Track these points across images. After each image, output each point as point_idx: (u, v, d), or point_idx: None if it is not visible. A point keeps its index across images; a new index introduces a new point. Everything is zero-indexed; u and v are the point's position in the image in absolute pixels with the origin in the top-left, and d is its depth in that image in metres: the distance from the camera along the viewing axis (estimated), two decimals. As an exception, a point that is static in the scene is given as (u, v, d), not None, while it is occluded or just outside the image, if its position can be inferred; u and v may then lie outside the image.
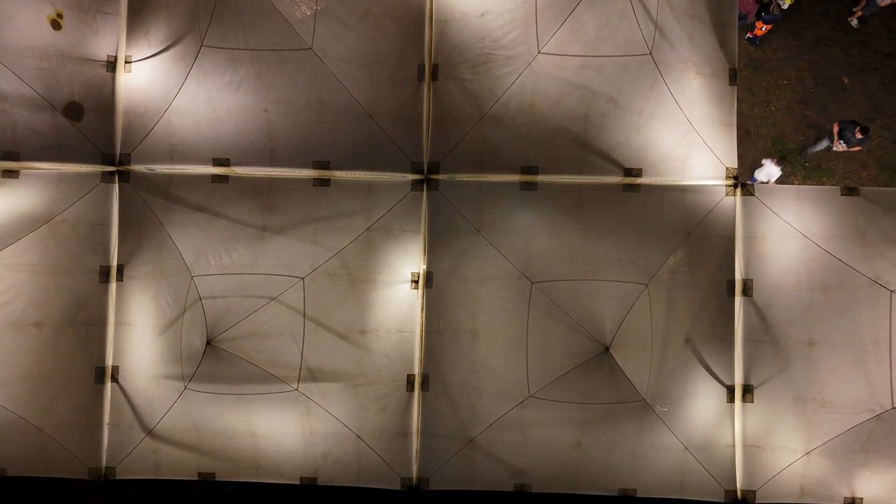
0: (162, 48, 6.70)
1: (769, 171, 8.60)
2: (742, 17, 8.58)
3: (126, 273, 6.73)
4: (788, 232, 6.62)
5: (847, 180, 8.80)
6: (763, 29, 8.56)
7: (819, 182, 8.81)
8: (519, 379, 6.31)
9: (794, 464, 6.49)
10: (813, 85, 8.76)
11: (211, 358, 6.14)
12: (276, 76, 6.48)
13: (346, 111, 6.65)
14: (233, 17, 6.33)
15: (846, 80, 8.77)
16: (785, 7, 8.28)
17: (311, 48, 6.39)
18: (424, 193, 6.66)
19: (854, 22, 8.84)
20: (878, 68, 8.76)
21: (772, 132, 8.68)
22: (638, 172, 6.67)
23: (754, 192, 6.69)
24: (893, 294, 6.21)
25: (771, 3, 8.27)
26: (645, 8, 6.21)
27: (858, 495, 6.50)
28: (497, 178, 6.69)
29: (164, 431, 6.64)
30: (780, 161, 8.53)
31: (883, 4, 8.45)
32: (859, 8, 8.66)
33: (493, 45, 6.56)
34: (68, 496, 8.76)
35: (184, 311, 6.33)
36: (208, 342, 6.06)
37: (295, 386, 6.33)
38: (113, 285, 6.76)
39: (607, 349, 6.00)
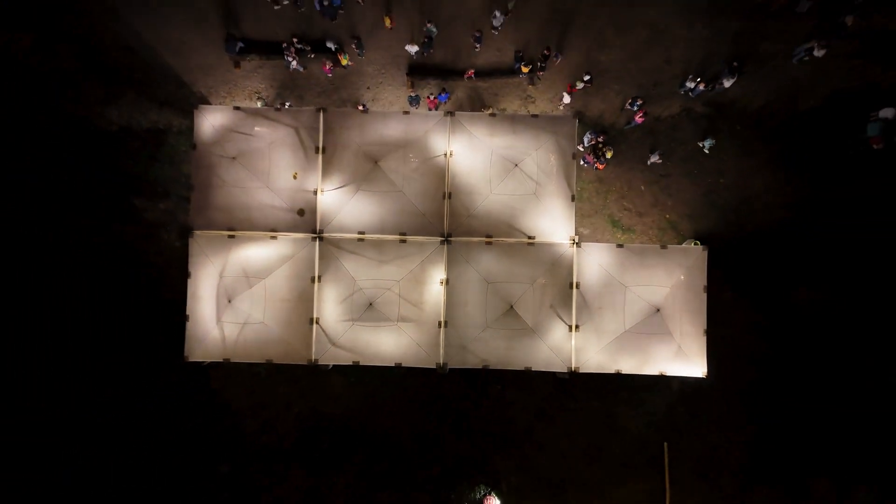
0: (338, 187, 16.34)
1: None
2: (589, 161, 18.18)
3: (323, 280, 16.34)
4: (594, 263, 16.30)
5: (644, 236, 18.39)
6: (602, 165, 18.07)
7: (630, 238, 18.40)
8: (483, 320, 16.00)
9: (592, 358, 16.16)
10: (627, 189, 18.36)
11: (367, 311, 15.82)
12: (387, 200, 16.12)
13: (413, 212, 16.28)
14: (374, 178, 16.00)
15: (643, 188, 18.39)
16: (609, 157, 17.81)
17: (401, 191, 16.08)
18: (446, 246, 16.28)
19: (649, 161, 18.39)
20: (657, 181, 18.38)
21: (606, 213, 18.28)
22: (533, 238, 16.33)
23: (580, 246, 16.36)
24: (627, 288, 15.93)
25: (603, 155, 17.81)
26: (530, 177, 15.91)
27: (619, 368, 16.17)
28: (476, 240, 16.32)
29: (339, 343, 16.28)
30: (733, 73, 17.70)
31: (652, 161, 18.03)
32: (651, 156, 18.20)
33: (474, 187, 16.24)
34: (278, 380, 18.33)
35: (352, 294, 15.99)
36: (370, 304, 15.76)
37: (396, 323, 16.01)
38: (316, 284, 16.37)
39: (512, 307, 15.72)
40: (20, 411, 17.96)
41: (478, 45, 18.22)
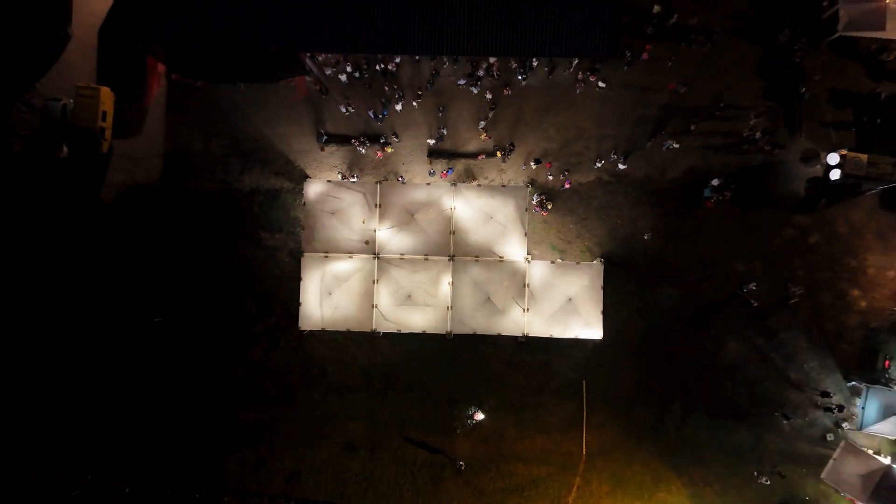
0: (388, 228, 28.11)
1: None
2: (538, 210, 29.78)
3: (379, 282, 28.07)
4: (538, 273, 28.09)
5: (571, 256, 29.95)
6: (546, 213, 29.62)
7: (563, 256, 29.93)
8: (473, 305, 27.74)
9: (536, 328, 27.91)
10: (561, 227, 29.90)
11: (404, 300, 27.52)
12: (417, 235, 27.87)
13: (432, 242, 28.05)
14: (410, 223, 27.75)
15: (571, 226, 30.03)
16: (550, 208, 29.34)
17: (426, 230, 27.82)
18: (451, 262, 28.03)
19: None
20: (580, 222, 29.99)
21: (549, 241, 29.82)
22: (502, 257, 28.13)
23: (530, 262, 28.12)
24: (555, 287, 27.68)
25: (546, 206, 29.37)
26: (500, 223, 27.67)
27: (552, 333, 27.93)
28: (469, 258, 28.08)
29: (389, 319, 28.01)
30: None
31: (557, 261, 29.70)
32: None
33: (468, 228, 28.02)
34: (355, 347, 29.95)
35: (397, 290, 27.70)
36: (409, 296, 27.44)
37: (423, 307, 27.73)
38: (376, 285, 28.09)
39: (489, 298, 27.44)
40: (188, 357, 29.65)
41: (441, 113, 29.66)
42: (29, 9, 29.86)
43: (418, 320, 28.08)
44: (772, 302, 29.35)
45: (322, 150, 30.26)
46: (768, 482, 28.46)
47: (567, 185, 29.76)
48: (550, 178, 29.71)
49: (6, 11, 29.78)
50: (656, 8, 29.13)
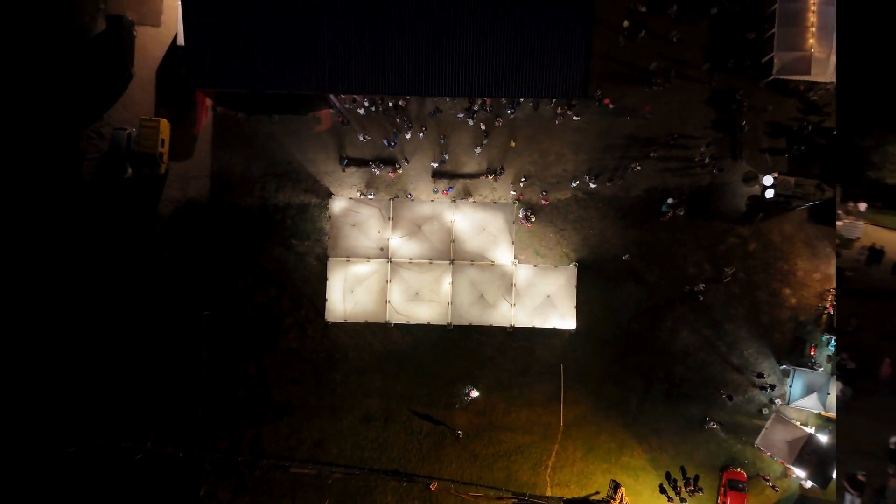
0: (400, 237, 34.09)
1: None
2: (523, 222, 35.68)
3: (392, 281, 34.02)
4: (523, 275, 34.08)
5: (551, 260, 35.86)
6: (530, 224, 35.51)
7: (544, 261, 35.86)
8: (469, 301, 33.71)
9: (521, 320, 33.90)
10: (543, 236, 35.84)
11: (412, 296, 33.46)
12: (423, 243, 33.88)
13: (436, 249, 34.00)
14: (418, 233, 33.74)
15: (551, 236, 35.94)
16: (534, 220, 35.22)
17: (430, 239, 33.82)
18: (452, 265, 33.99)
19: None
20: (559, 232, 35.95)
21: (533, 248, 35.69)
22: (493, 261, 34.11)
23: (517, 265, 34.11)
24: (536, 286, 33.68)
25: (530, 219, 35.28)
26: (491, 233, 33.66)
27: (534, 325, 33.89)
28: (466, 262, 34.05)
29: (400, 312, 33.97)
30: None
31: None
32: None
33: (465, 238, 34.03)
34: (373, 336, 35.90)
35: (407, 288, 33.66)
36: (416, 293, 33.40)
37: (428, 302, 33.70)
38: (388, 284, 34.02)
39: (482, 295, 33.41)
40: (231, 338, 35.62)
41: (443, 141, 35.72)
42: (99, 53, 35.73)
43: (424, 313, 34.04)
44: (717, 298, 35.36)
45: (344, 171, 36.17)
46: (716, 426, 34.51)
47: (544, 202, 35.70)
48: (515, 194, 35.63)
49: (81, 56, 35.67)
50: (626, 23, 35.15)
